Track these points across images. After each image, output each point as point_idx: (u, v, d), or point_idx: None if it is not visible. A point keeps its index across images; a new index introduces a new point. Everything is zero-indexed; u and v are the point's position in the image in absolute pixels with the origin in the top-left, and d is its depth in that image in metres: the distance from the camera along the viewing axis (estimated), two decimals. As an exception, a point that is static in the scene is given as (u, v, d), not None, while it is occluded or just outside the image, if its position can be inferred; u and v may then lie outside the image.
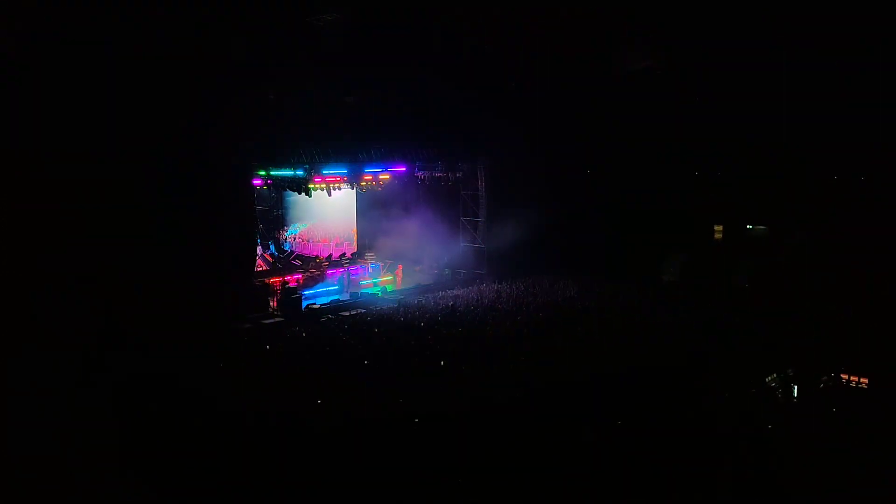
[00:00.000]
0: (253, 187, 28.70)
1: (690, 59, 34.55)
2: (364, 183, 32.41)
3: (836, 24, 30.25)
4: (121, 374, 18.33)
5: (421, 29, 32.09)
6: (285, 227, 33.12)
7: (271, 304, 28.34)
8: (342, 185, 31.30)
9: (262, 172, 28.16)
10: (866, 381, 18.64)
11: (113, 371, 18.64)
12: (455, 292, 31.00)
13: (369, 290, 31.79)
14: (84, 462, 13.77)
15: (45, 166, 22.23)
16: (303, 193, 29.93)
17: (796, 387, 18.31)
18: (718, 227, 37.46)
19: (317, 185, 29.89)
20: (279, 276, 30.30)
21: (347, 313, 27.83)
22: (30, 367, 18.27)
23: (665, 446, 14.74)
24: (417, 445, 14.82)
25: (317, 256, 33.15)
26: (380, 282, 33.22)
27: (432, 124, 32.81)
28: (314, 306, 28.56)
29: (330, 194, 30.86)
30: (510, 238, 34.18)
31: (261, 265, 30.48)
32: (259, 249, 29.85)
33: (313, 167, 29.09)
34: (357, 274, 32.83)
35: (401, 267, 34.35)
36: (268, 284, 28.88)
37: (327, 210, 33.64)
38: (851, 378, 18.72)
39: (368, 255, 34.12)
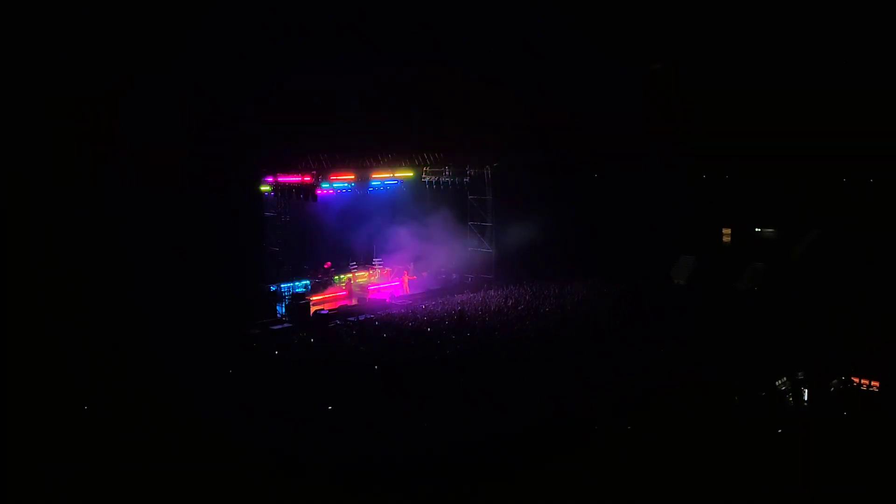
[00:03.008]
0: (261, 193, 28.82)
1: (696, 59, 34.62)
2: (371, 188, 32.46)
3: (839, 24, 30.27)
4: (130, 377, 18.43)
5: (429, 33, 32.20)
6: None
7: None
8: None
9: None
10: (877, 384, 18.50)
11: (122, 373, 18.73)
12: (463, 297, 30.97)
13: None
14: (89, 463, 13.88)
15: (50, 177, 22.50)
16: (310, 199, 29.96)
17: (806, 390, 18.19)
18: (727, 230, 37.40)
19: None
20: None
21: (355, 319, 27.83)
22: (36, 368, 18.36)
23: (675, 449, 14.70)
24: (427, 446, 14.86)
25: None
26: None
27: (440, 129, 32.87)
28: (322, 312, 28.59)
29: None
30: (518, 242, 34.15)
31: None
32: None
33: (321, 173, 29.15)
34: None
35: (406, 272, 34.35)
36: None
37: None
38: (862, 381, 18.58)
39: (376, 260, 34.11)
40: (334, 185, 30.30)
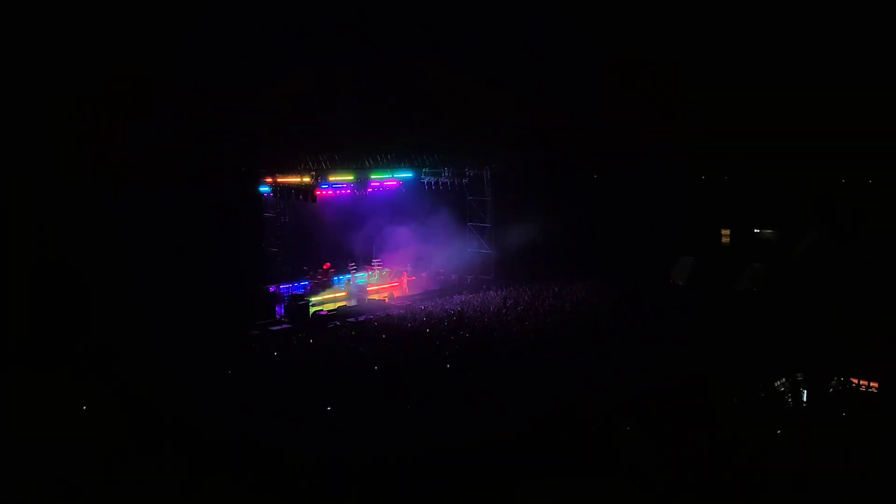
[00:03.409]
0: (260, 194, 28.80)
1: (696, 59, 34.65)
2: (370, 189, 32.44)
3: (839, 25, 30.30)
4: (130, 377, 18.43)
5: (429, 33, 32.22)
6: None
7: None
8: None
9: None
10: (876, 385, 18.51)
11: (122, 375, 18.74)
12: (462, 298, 30.95)
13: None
14: (93, 462, 13.89)
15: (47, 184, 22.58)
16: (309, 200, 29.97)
17: (805, 391, 18.19)
18: (726, 231, 37.41)
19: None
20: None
21: (354, 319, 27.81)
22: (39, 368, 18.38)
23: (675, 449, 14.70)
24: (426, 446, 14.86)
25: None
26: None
27: (440, 129, 32.88)
28: (321, 313, 28.58)
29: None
30: (517, 243, 34.14)
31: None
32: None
33: (320, 173, 29.14)
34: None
35: (405, 273, 34.35)
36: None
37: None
38: (861, 382, 18.59)
39: (375, 261, 34.11)
40: (333, 186, 30.29)
